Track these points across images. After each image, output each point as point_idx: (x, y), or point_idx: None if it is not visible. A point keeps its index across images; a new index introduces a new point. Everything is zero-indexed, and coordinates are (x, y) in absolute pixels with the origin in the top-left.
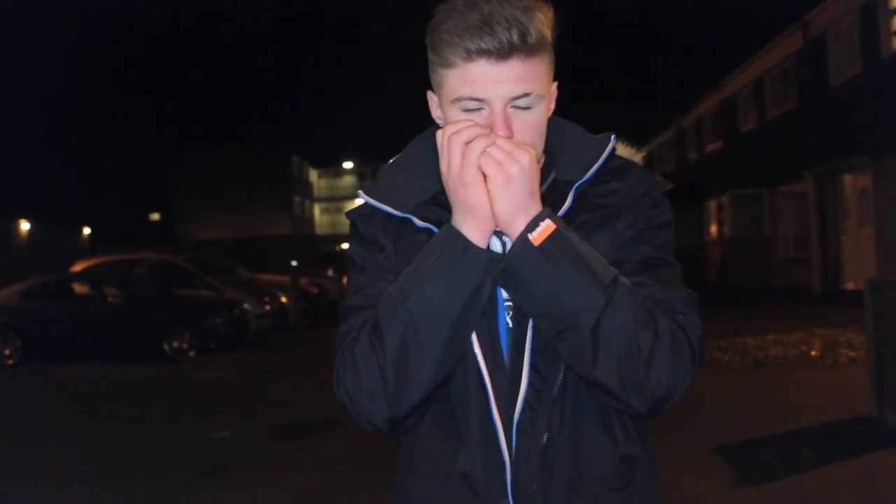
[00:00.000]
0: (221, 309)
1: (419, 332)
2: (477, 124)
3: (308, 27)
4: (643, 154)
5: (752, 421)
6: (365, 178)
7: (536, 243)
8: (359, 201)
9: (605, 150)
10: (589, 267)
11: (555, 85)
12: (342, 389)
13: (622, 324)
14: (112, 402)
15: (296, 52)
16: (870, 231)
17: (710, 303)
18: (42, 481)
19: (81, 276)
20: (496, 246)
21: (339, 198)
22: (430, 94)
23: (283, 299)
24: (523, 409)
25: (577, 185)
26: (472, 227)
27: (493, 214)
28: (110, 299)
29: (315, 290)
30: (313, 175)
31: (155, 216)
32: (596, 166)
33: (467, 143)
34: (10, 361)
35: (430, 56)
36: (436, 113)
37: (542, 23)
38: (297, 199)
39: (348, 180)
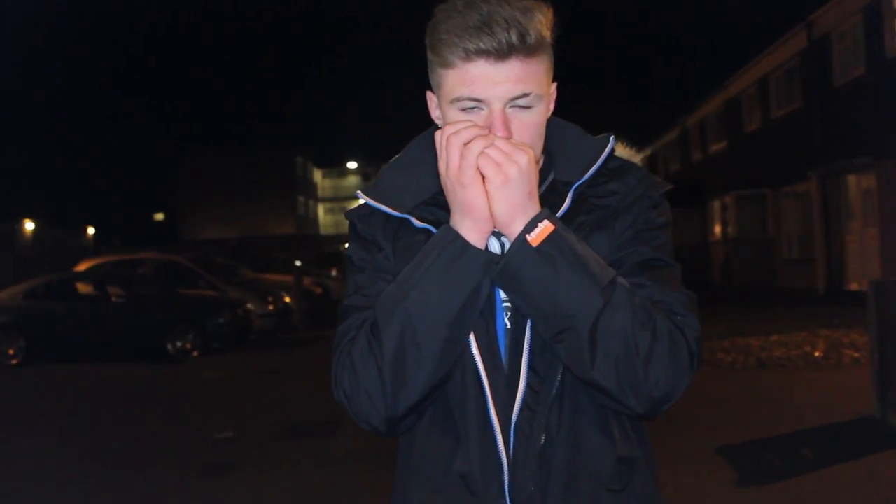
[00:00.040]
0: (225, 309)
1: (417, 332)
2: (476, 125)
3: (314, 27)
4: (642, 155)
5: (754, 421)
6: (369, 178)
7: (535, 244)
8: (359, 201)
9: (604, 150)
10: (587, 268)
11: (554, 86)
12: (340, 389)
13: (620, 325)
14: (115, 401)
15: (301, 51)
16: (874, 231)
17: (713, 303)
18: (44, 481)
19: (85, 276)
20: (495, 247)
21: (343, 198)
22: (429, 95)
23: (287, 299)
24: (521, 410)
25: (575, 185)
26: (471, 228)
27: (492, 215)
28: (114, 299)
29: (319, 290)
30: (317, 175)
31: (159, 216)
32: (595, 167)
33: (466, 144)
34: (14, 361)
35: (430, 56)
36: (435, 113)
37: (542, 23)
38: (301, 198)
39: (352, 180)
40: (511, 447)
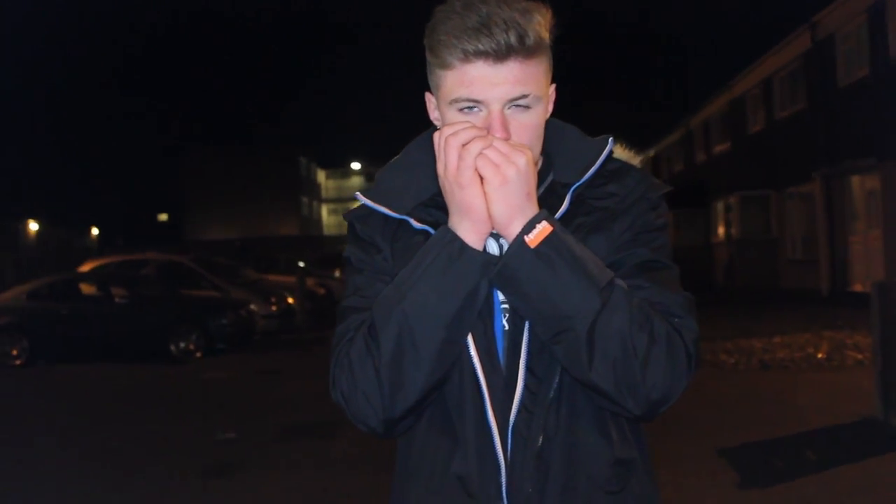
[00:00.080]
0: (228, 310)
1: (414, 333)
2: (474, 126)
3: (320, 26)
4: (641, 157)
5: (757, 423)
6: (373, 179)
7: (533, 245)
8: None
9: (602, 152)
10: (585, 269)
11: (553, 87)
12: (337, 391)
13: (618, 326)
14: (117, 402)
15: (304, 52)
16: (878, 233)
17: (716, 304)
18: (45, 481)
19: (88, 277)
20: (493, 248)
21: (347, 199)
22: (427, 96)
23: (290, 300)
24: (519, 412)
25: (574, 187)
26: (469, 229)
27: (490, 216)
28: (117, 300)
29: (322, 290)
30: (321, 176)
31: (163, 216)
32: (593, 169)
33: (464, 145)
34: (18, 362)
35: (428, 57)
36: (433, 114)
37: (541, 25)
38: (304, 199)
39: (356, 181)
40: (509, 449)
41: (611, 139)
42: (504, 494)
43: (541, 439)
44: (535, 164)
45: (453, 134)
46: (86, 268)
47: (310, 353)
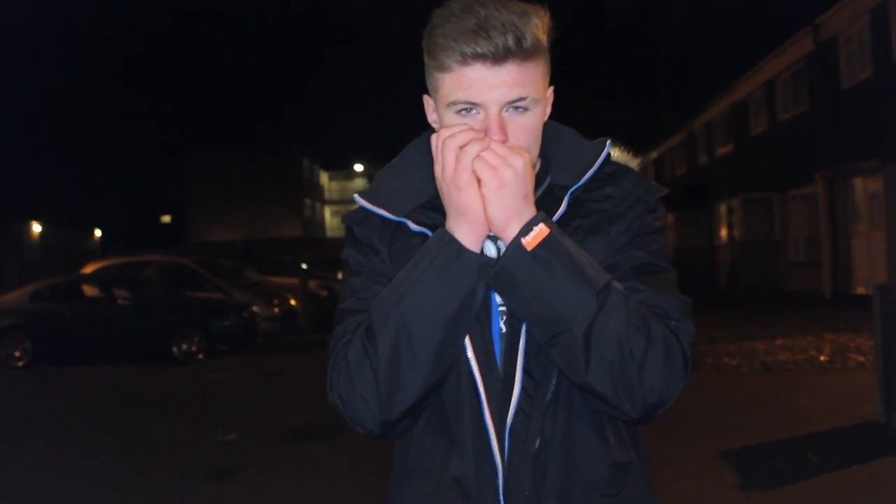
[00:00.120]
0: (230, 311)
1: (412, 335)
2: (472, 128)
3: (322, 28)
4: (639, 160)
5: (759, 426)
6: None
7: (530, 248)
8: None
9: (600, 155)
10: (582, 272)
11: (551, 89)
12: (335, 393)
13: (615, 329)
14: (120, 404)
15: (307, 53)
16: (881, 235)
17: (718, 306)
18: (47, 482)
19: (91, 278)
20: (490, 250)
21: (350, 200)
22: (426, 98)
23: (292, 302)
24: (516, 414)
25: (571, 189)
26: (466, 232)
27: (487, 219)
28: (119, 301)
29: (324, 292)
30: (324, 177)
31: (166, 218)
32: (591, 171)
33: (461, 147)
34: (20, 363)
35: (426, 60)
36: (431, 117)
37: (538, 27)
38: (307, 201)
39: (359, 183)
40: (506, 451)
41: (608, 142)
42: (501, 497)
43: (538, 442)
44: (533, 166)
45: (451, 136)
46: (88, 269)
47: (312, 355)
